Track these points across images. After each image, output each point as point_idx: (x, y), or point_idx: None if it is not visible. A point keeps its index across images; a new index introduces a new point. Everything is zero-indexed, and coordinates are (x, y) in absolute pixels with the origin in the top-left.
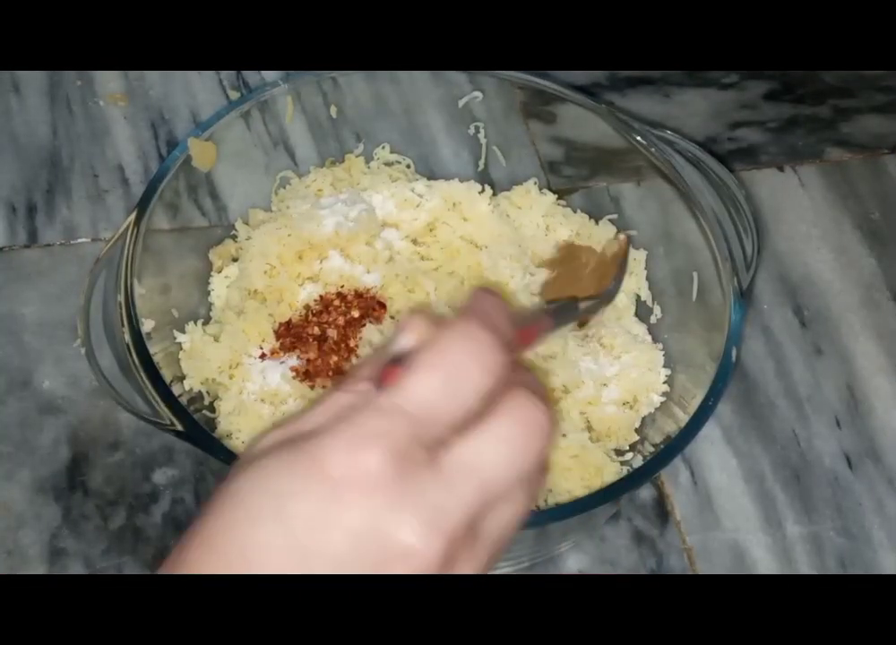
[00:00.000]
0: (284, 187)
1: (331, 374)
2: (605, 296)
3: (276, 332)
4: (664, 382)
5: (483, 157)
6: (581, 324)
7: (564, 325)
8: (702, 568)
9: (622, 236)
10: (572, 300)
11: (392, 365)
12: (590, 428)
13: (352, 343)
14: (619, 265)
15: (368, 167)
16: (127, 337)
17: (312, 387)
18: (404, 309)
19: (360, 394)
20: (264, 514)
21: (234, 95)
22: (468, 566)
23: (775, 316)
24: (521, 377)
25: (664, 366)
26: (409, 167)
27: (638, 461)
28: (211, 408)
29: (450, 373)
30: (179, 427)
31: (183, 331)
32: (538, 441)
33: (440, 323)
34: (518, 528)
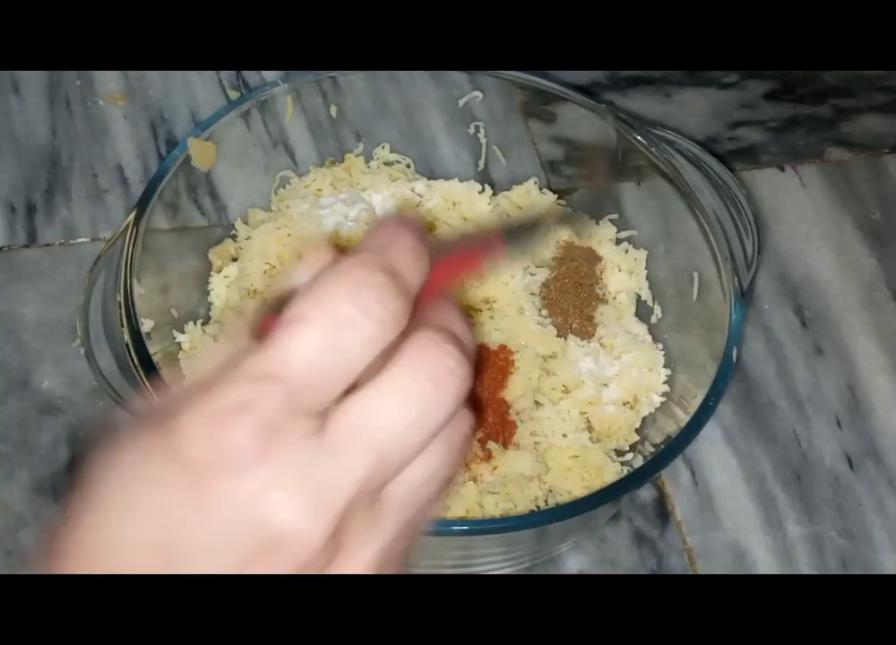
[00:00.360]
0: (284, 187)
1: None
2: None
3: None
4: (664, 383)
5: (483, 156)
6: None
7: (526, 244)
8: (703, 568)
9: None
10: (535, 219)
11: (273, 314)
12: (590, 428)
13: None
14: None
15: (368, 167)
16: (127, 337)
17: None
18: None
19: (237, 350)
20: (121, 508)
21: (234, 95)
22: (373, 540)
23: (776, 316)
24: (434, 316)
25: (664, 366)
26: (408, 166)
27: (638, 462)
28: None
29: (330, 326)
30: None
31: (182, 331)
32: (447, 387)
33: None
34: (445, 484)
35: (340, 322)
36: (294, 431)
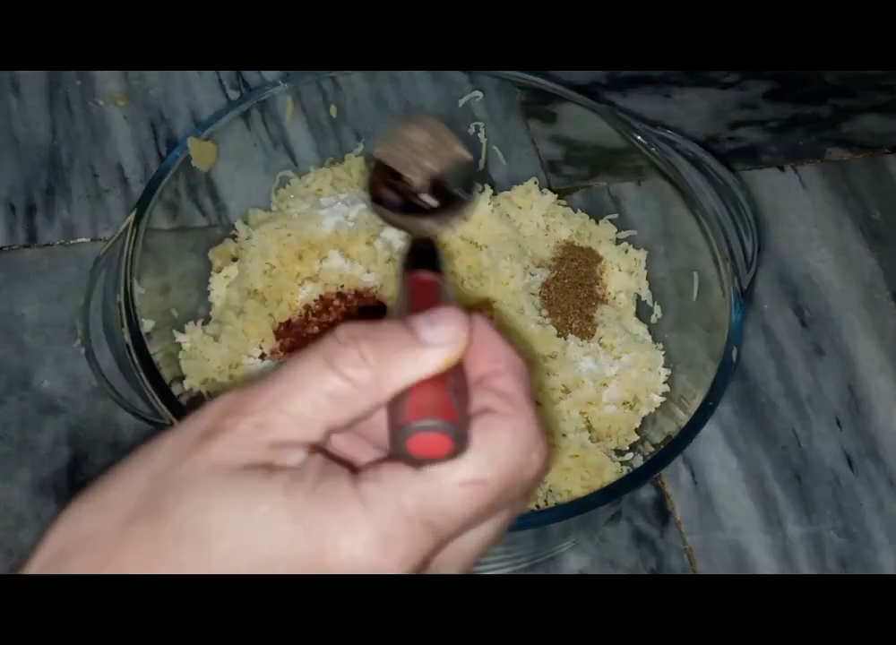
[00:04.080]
0: (284, 187)
1: None
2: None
3: (276, 332)
4: (664, 383)
5: (483, 156)
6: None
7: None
8: (703, 568)
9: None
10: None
11: (424, 431)
12: (590, 428)
13: None
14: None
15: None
16: (127, 337)
17: None
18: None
19: (356, 391)
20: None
21: (234, 95)
22: None
23: (776, 316)
24: (509, 388)
25: (664, 366)
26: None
27: (638, 461)
28: None
29: (496, 503)
30: None
31: (182, 331)
32: (530, 497)
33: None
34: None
35: (506, 497)
36: (420, 568)
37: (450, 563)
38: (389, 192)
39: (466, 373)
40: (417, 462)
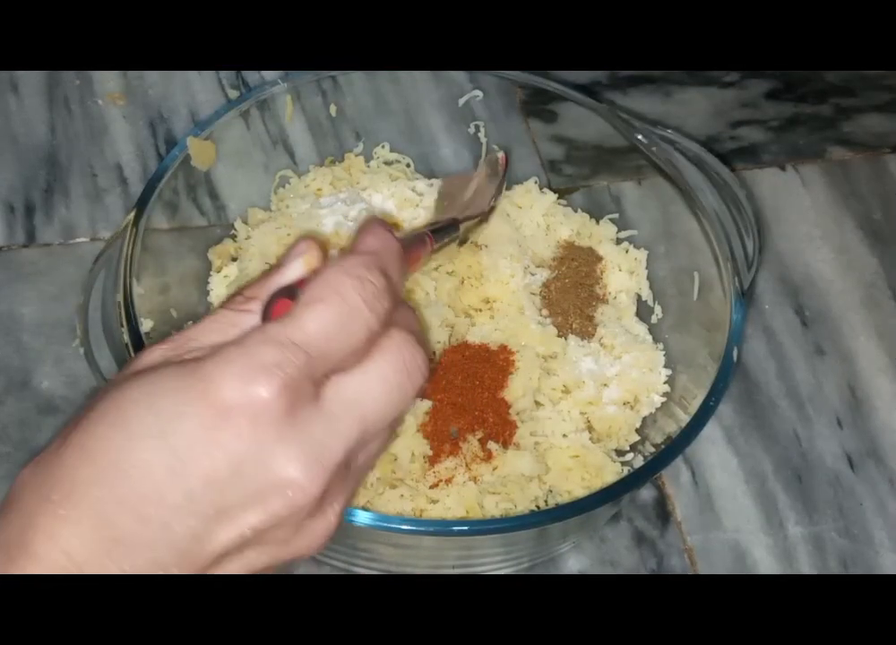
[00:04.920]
0: (283, 186)
1: None
2: (482, 214)
3: None
4: (665, 383)
5: (483, 156)
6: (462, 242)
7: (444, 244)
8: (703, 568)
9: (500, 154)
10: (452, 222)
11: (282, 297)
12: (590, 428)
13: None
14: (497, 183)
15: (368, 167)
16: (126, 337)
17: None
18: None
19: (250, 315)
20: (147, 431)
21: (233, 94)
22: (340, 499)
23: (776, 316)
24: (401, 317)
25: (665, 366)
26: (408, 166)
27: (639, 462)
28: None
29: (343, 311)
30: None
31: None
32: (416, 382)
33: (327, 256)
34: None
35: (352, 309)
36: (306, 394)
37: (365, 463)
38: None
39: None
40: None
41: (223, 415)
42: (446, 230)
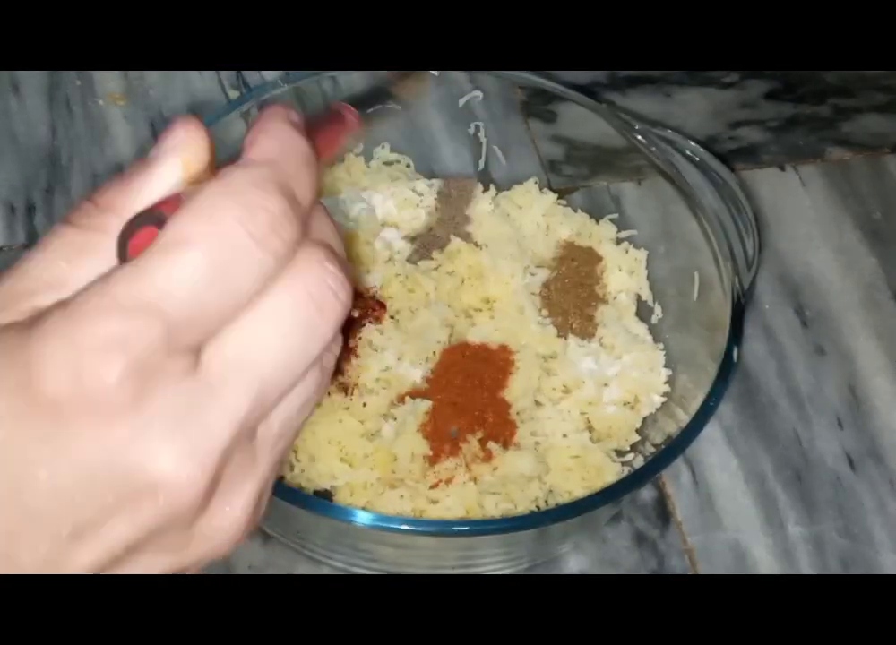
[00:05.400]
0: None
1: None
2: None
3: None
4: (665, 383)
5: (483, 156)
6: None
7: (375, 115)
8: (704, 569)
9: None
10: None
11: (147, 224)
12: (590, 429)
13: (352, 343)
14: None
15: (368, 167)
16: None
17: None
18: (404, 309)
19: (102, 237)
20: None
21: (234, 95)
22: (251, 480)
23: (776, 316)
24: (313, 230)
25: (665, 366)
26: (408, 166)
27: (639, 462)
28: None
29: (219, 253)
30: None
31: None
32: (329, 311)
33: (212, 151)
34: (313, 409)
35: (231, 250)
36: (168, 372)
37: (277, 429)
38: None
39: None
40: None
41: (55, 414)
42: (371, 98)
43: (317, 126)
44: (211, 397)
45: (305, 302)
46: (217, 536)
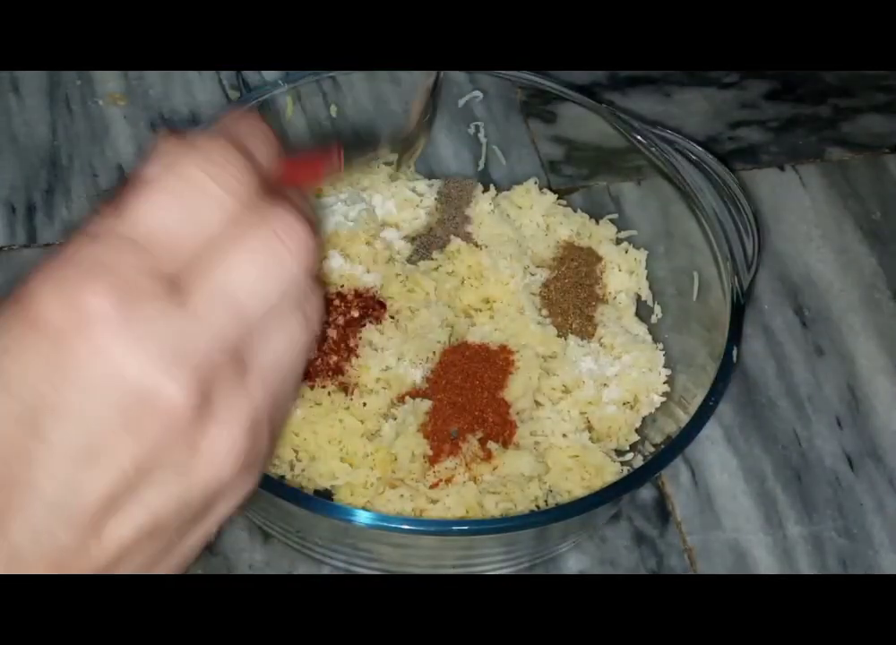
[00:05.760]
0: None
1: (331, 374)
2: (407, 132)
3: None
4: (664, 383)
5: (483, 156)
6: (398, 166)
7: (359, 159)
8: (703, 568)
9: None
10: (371, 138)
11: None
12: (590, 428)
13: (352, 343)
14: (426, 101)
15: (368, 167)
16: None
17: (311, 387)
18: (404, 309)
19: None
20: None
21: (234, 95)
22: (243, 402)
23: (776, 316)
24: (286, 204)
25: (664, 366)
26: (408, 166)
27: (638, 462)
28: None
29: (183, 190)
30: None
31: None
32: (293, 247)
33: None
34: (303, 359)
35: (193, 188)
36: (151, 292)
37: (266, 363)
38: None
39: None
40: None
41: (56, 340)
42: (361, 144)
43: (302, 155)
44: (194, 318)
45: (270, 236)
46: (216, 459)
